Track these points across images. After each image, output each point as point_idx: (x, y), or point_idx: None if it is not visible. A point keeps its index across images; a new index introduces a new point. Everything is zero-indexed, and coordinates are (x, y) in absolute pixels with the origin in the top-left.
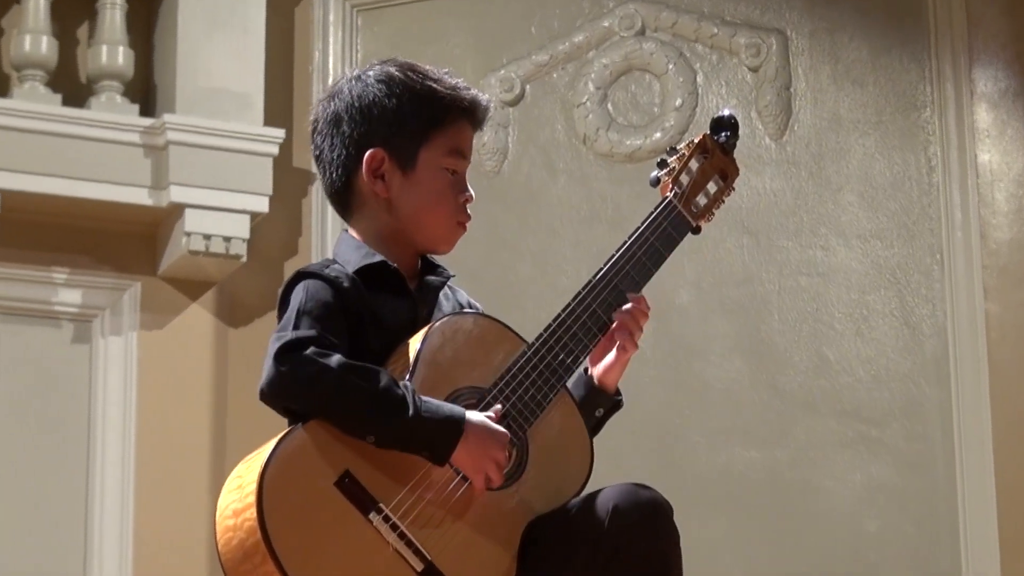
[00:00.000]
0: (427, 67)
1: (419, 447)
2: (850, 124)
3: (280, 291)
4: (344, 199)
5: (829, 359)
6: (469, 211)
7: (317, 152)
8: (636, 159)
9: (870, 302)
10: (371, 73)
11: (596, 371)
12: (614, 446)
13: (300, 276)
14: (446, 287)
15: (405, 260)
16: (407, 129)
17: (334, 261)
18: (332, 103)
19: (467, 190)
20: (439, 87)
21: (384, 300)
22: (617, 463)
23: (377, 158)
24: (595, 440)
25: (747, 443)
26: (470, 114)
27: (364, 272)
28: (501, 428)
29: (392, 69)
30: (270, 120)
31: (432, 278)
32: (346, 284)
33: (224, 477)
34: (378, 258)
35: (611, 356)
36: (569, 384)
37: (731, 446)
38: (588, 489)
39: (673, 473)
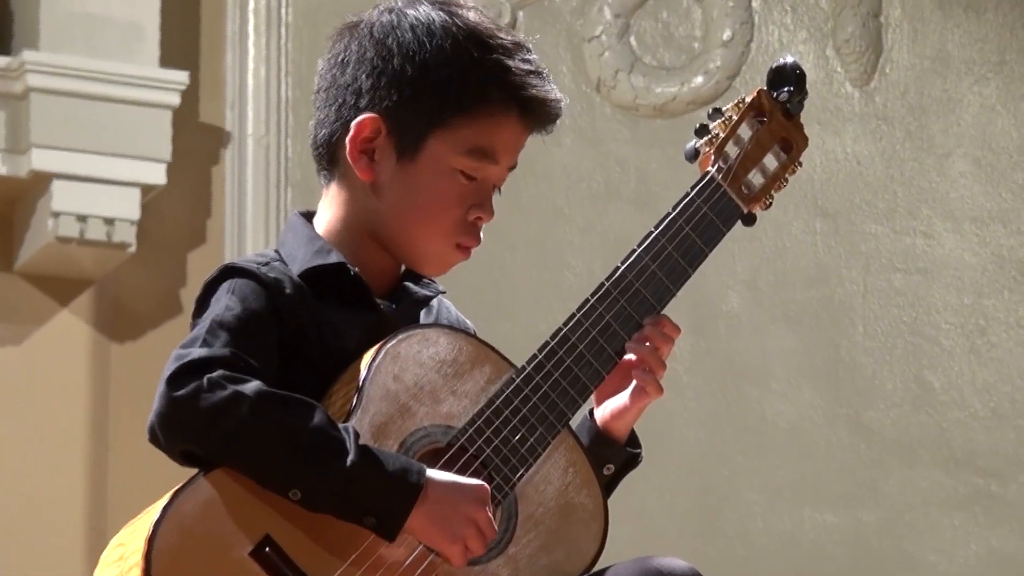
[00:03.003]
0: (495, 27)
1: (360, 510)
2: (962, 66)
3: (199, 291)
4: (325, 163)
5: (933, 387)
6: (481, 233)
7: (316, 88)
8: (669, 113)
9: (989, 308)
10: (412, 12)
11: (603, 414)
12: (638, 505)
13: (227, 273)
14: (432, 303)
15: (378, 263)
16: (422, 101)
17: (277, 255)
18: (347, 35)
19: (483, 206)
20: (496, 59)
21: (338, 313)
22: (642, 529)
23: (370, 127)
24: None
25: (821, 502)
26: (525, 111)
27: (313, 275)
28: (477, 481)
29: (440, 14)
30: (168, 59)
31: (413, 288)
32: (288, 290)
33: (104, 542)
34: (334, 257)
35: (624, 399)
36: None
37: (799, 506)
38: (600, 565)
39: (719, 542)
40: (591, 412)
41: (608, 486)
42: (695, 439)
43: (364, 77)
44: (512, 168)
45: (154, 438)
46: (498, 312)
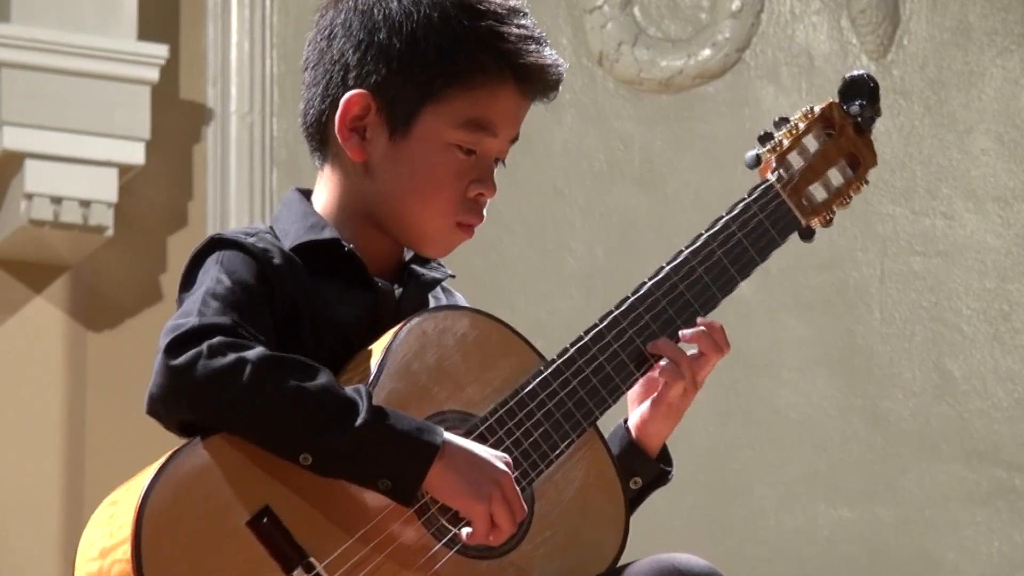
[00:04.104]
0: None
1: (373, 472)
2: (984, 37)
3: (185, 265)
4: (316, 144)
5: (954, 376)
6: (484, 210)
7: (303, 67)
8: (675, 87)
9: (1013, 293)
10: None
11: (634, 421)
12: (648, 502)
13: (214, 245)
14: (438, 288)
15: (378, 246)
16: (413, 74)
17: (268, 229)
18: (332, 8)
19: (484, 181)
20: (488, 26)
21: (333, 290)
22: (652, 525)
23: (359, 104)
24: None
25: (836, 497)
26: (522, 79)
27: (305, 250)
28: (497, 451)
29: None
30: (147, 32)
31: (420, 270)
32: (277, 261)
33: (79, 537)
34: (328, 233)
35: (648, 402)
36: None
37: (812, 501)
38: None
39: (728, 540)
40: (625, 420)
41: (634, 501)
42: (703, 432)
43: (351, 52)
44: (515, 140)
45: (154, 411)
46: (495, 298)
